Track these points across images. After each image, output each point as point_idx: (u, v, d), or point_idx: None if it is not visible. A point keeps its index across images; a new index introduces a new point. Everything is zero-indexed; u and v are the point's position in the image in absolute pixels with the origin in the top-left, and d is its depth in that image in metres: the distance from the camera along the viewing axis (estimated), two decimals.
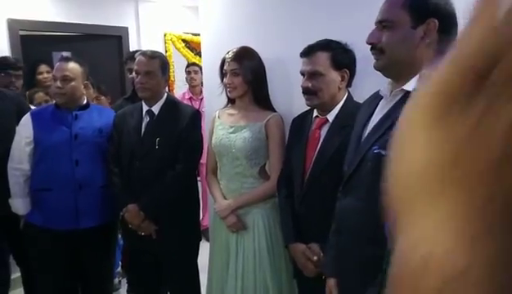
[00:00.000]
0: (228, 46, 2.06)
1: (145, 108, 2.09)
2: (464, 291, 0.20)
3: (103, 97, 3.13)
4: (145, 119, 2.08)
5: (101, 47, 4.22)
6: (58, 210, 2.05)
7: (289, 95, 2.03)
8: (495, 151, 0.20)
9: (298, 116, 1.85)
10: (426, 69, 1.17)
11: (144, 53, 2.10)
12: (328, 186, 1.52)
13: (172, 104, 2.13)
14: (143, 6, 4.45)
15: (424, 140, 0.23)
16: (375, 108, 1.30)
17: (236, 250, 1.95)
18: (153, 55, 2.08)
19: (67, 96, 2.08)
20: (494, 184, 0.20)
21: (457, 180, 0.21)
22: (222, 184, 2.03)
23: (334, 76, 1.62)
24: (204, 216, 3.55)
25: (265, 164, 2.02)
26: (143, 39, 4.43)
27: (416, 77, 1.16)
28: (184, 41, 4.79)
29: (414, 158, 0.24)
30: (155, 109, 2.08)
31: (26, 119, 2.12)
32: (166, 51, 4.58)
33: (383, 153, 1.14)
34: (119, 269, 3.02)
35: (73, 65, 2.11)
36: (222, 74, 1.99)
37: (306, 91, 1.65)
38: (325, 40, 1.64)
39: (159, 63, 2.06)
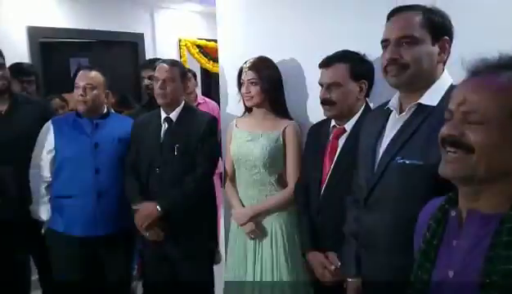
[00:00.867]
0: (246, 54, 2.08)
1: (163, 115, 2.12)
2: None
3: (126, 111, 3.03)
4: (164, 126, 2.11)
5: (117, 54, 4.29)
6: (78, 217, 2.09)
7: (305, 104, 2.05)
8: None
9: (316, 125, 1.87)
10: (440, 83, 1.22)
11: (165, 61, 2.14)
12: (345, 195, 1.54)
13: (189, 110, 2.17)
14: (158, 12, 4.51)
15: None
16: (385, 121, 1.32)
17: (254, 256, 1.96)
18: (173, 63, 2.13)
19: (90, 104, 2.12)
20: None
21: None
22: (239, 192, 2.05)
23: (353, 87, 1.64)
24: None
25: (283, 172, 2.04)
26: (158, 45, 4.49)
27: (429, 90, 1.22)
28: (198, 46, 4.84)
29: None
30: (173, 116, 2.11)
31: (47, 127, 2.16)
32: (181, 57, 4.63)
33: (407, 162, 1.17)
34: (135, 272, 3.05)
35: (95, 74, 2.15)
36: (240, 84, 2.01)
37: (324, 102, 1.66)
38: (344, 51, 1.66)
39: (178, 71, 2.11)
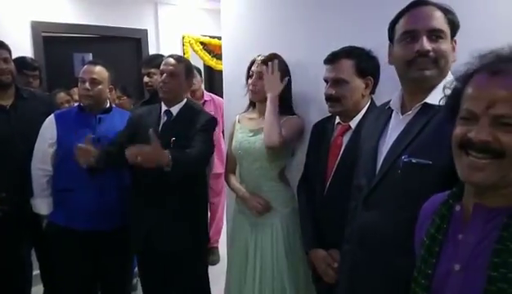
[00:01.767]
0: (249, 51, 2.07)
1: (163, 108, 2.10)
2: None
3: (126, 98, 3.15)
4: (163, 119, 2.08)
5: (121, 49, 4.28)
6: (79, 210, 2.09)
7: (310, 100, 2.04)
8: None
9: (320, 121, 1.85)
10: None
11: (172, 55, 2.13)
12: (349, 193, 1.53)
13: (191, 108, 2.14)
14: (162, 8, 4.50)
15: None
16: (387, 121, 1.30)
17: (254, 253, 1.96)
18: (179, 59, 2.11)
19: (94, 99, 2.13)
20: None
21: None
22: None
23: (358, 83, 1.62)
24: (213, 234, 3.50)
25: (284, 167, 2.04)
26: (162, 41, 4.48)
27: (436, 89, 1.19)
28: (202, 43, 4.83)
29: None
30: (174, 110, 2.08)
31: (50, 121, 2.16)
32: (184, 54, 4.62)
33: (413, 160, 1.14)
34: (137, 269, 3.04)
35: (100, 69, 2.16)
36: (249, 75, 2.00)
37: (329, 98, 1.65)
38: (350, 47, 1.64)
39: (184, 67, 2.09)
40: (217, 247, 3.61)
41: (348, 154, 1.64)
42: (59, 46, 4.00)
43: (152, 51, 4.33)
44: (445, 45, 1.19)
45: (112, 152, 2.03)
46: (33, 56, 3.43)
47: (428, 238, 0.89)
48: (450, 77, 1.23)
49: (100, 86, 2.13)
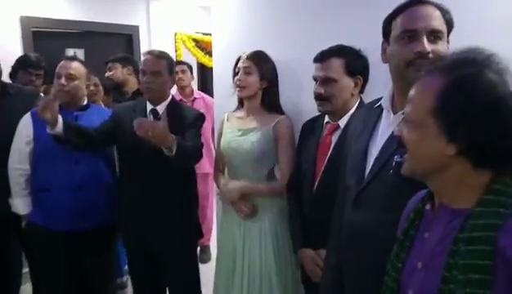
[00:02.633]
0: (240, 48, 2.05)
1: (149, 106, 2.05)
2: None
3: (101, 88, 2.91)
4: (149, 118, 2.02)
5: (112, 45, 4.24)
6: (57, 210, 2.04)
7: (298, 99, 2.03)
8: None
9: (309, 121, 1.84)
10: None
11: (151, 52, 2.05)
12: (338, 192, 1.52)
13: (176, 105, 2.11)
14: (154, 5, 4.47)
15: None
16: (377, 121, 1.27)
17: (243, 252, 1.95)
18: (160, 55, 2.03)
19: (70, 95, 2.08)
20: None
21: None
22: None
23: (348, 82, 1.61)
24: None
25: (273, 167, 2.03)
26: (154, 38, 4.46)
27: None
28: (194, 40, 4.80)
29: None
30: (160, 108, 2.04)
31: (26, 118, 2.10)
32: (176, 51, 4.60)
33: None
34: (127, 266, 3.03)
35: (77, 65, 2.11)
36: (235, 73, 1.98)
37: (318, 97, 1.64)
38: (339, 46, 1.63)
39: (166, 63, 2.02)
40: (208, 246, 3.60)
41: (337, 153, 1.62)
42: (50, 41, 3.95)
43: (144, 47, 4.30)
44: (442, 46, 1.16)
45: (86, 130, 2.01)
46: (22, 52, 3.39)
47: (402, 232, 0.93)
48: None
49: (76, 82, 2.08)
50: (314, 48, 1.67)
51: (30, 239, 2.16)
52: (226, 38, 2.37)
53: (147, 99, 2.05)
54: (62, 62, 2.12)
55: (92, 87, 2.56)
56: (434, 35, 1.15)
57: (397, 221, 1.02)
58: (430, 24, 1.14)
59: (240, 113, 2.05)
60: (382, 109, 1.28)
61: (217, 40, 2.44)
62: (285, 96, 2.02)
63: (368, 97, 1.64)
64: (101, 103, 2.78)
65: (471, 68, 0.77)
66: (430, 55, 1.13)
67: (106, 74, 3.05)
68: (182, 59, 4.50)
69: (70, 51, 4.08)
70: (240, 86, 1.93)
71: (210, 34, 2.51)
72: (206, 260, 3.49)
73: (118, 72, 3.07)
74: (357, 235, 1.24)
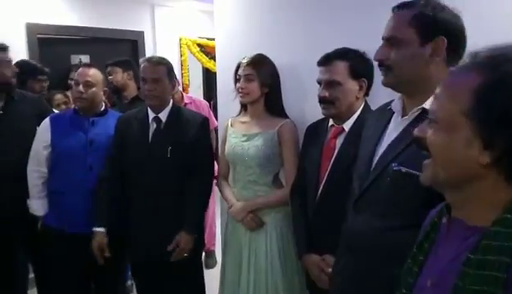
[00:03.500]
0: (243, 52, 2.05)
1: (151, 114, 2.04)
2: None
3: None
4: (152, 126, 2.03)
5: (118, 51, 4.24)
6: (71, 213, 2.08)
7: (302, 102, 2.02)
8: None
9: (313, 124, 1.83)
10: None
11: (149, 60, 2.05)
12: (343, 196, 1.50)
13: (178, 110, 2.11)
14: (159, 10, 4.49)
15: None
16: (387, 123, 1.26)
17: (249, 257, 1.93)
18: (159, 62, 2.03)
19: (88, 101, 2.12)
20: None
21: None
22: (235, 192, 2.03)
23: (352, 85, 1.60)
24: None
25: (278, 172, 2.01)
26: (159, 43, 4.47)
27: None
28: (199, 45, 4.81)
29: None
30: (162, 115, 2.03)
31: (45, 124, 2.17)
32: (181, 56, 4.61)
33: (403, 170, 1.10)
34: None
35: (94, 72, 2.15)
36: (236, 79, 1.97)
37: (323, 101, 1.62)
38: (343, 49, 1.62)
39: (165, 69, 2.02)
40: (213, 251, 3.58)
41: (342, 157, 1.61)
42: (55, 47, 3.98)
43: (149, 53, 4.32)
44: (399, 51, 1.18)
45: (114, 192, 2.07)
46: (28, 58, 3.42)
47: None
48: None
49: (94, 89, 2.12)
50: (318, 51, 1.66)
51: (44, 241, 2.19)
52: (228, 42, 2.37)
53: (150, 106, 2.05)
54: (80, 69, 2.17)
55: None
56: (391, 42, 1.17)
57: (392, 229, 1.00)
58: (386, 33, 1.18)
59: (244, 118, 2.04)
60: (393, 112, 1.25)
61: (221, 45, 2.43)
62: (289, 100, 2.01)
63: (373, 100, 1.63)
64: None
65: None
66: (387, 63, 1.17)
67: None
68: (188, 64, 4.49)
69: (76, 58, 4.11)
70: (243, 93, 1.92)
71: (214, 39, 2.50)
72: (212, 265, 3.46)
73: (118, 76, 3.07)
74: (354, 240, 1.23)
